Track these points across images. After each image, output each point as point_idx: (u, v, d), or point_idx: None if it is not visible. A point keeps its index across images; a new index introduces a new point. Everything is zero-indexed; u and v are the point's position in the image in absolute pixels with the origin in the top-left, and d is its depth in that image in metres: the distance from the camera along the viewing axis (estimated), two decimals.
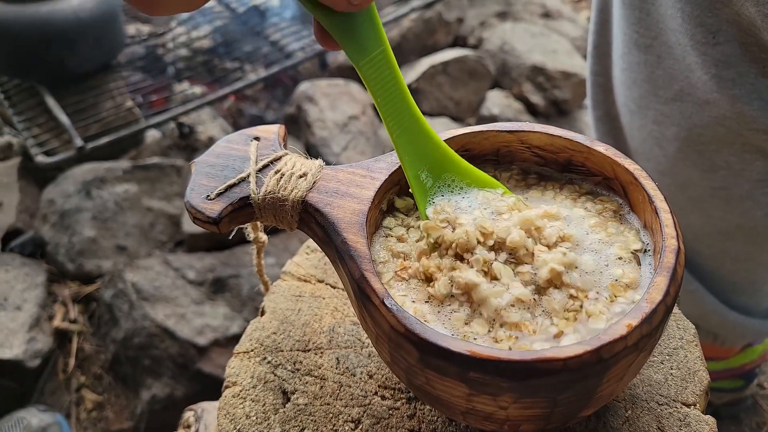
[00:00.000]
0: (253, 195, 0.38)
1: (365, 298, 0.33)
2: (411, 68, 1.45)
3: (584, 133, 1.49)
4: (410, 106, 0.39)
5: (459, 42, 1.60)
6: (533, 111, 1.47)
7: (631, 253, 0.36)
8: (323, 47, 0.38)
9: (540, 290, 0.34)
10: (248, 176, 0.39)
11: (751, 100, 0.56)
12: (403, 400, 0.41)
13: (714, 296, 0.74)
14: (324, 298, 0.47)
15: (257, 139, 0.42)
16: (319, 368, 0.43)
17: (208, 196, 0.38)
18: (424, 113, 1.55)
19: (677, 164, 0.65)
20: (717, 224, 0.67)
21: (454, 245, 0.36)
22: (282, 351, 0.44)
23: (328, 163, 0.40)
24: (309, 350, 0.44)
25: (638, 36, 0.63)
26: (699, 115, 0.60)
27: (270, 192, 0.38)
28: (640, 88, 0.65)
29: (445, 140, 0.41)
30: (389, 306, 0.32)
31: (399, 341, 0.31)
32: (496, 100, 1.45)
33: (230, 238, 0.42)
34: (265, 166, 0.40)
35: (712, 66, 0.56)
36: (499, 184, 0.41)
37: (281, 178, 0.39)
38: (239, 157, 0.40)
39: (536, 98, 1.46)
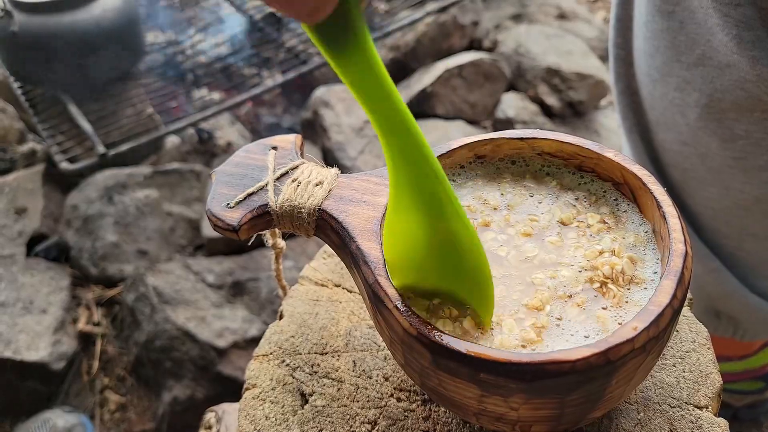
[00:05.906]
0: (271, 203, 0.39)
1: (379, 302, 0.34)
2: (426, 72, 1.46)
3: (600, 135, 1.48)
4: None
5: (474, 45, 1.60)
6: (549, 113, 1.47)
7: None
8: None
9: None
10: (266, 185, 0.40)
11: None
12: (419, 402, 0.42)
13: (735, 277, 0.74)
14: (341, 302, 0.48)
15: (275, 148, 0.43)
16: (336, 371, 0.44)
17: (228, 204, 0.39)
18: (439, 117, 1.53)
19: (698, 133, 0.66)
20: (736, 197, 0.68)
21: None
22: (300, 354, 0.45)
23: (344, 167, 0.41)
24: (326, 353, 0.45)
25: (661, 2, 0.64)
26: (720, 79, 0.61)
27: (287, 200, 0.39)
28: (663, 55, 0.66)
29: (456, 148, 0.41)
30: (402, 310, 0.33)
31: (412, 344, 0.32)
32: (511, 103, 1.45)
33: (249, 244, 0.43)
34: (283, 175, 0.41)
35: (734, 27, 0.57)
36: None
37: (298, 186, 0.40)
38: (257, 166, 0.42)
39: (552, 100, 1.46)
